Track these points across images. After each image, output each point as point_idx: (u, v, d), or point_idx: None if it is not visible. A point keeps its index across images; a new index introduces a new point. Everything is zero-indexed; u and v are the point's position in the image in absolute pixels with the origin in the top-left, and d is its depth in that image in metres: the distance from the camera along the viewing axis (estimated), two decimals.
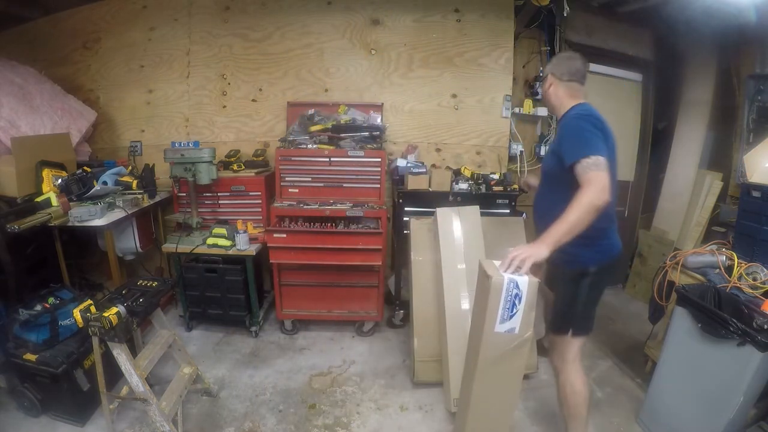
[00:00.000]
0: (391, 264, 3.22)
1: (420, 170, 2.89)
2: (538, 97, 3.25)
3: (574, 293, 1.71)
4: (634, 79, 3.59)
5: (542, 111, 3.31)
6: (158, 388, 2.18)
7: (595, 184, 1.43)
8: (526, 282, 1.46)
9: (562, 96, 1.77)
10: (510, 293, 1.46)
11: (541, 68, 3.36)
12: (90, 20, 3.34)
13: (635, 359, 2.65)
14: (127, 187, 2.87)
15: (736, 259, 2.07)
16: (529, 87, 3.38)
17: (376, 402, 2.32)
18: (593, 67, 3.41)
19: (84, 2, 3.29)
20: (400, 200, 2.84)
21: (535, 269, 1.51)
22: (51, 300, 2.20)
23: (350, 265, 2.73)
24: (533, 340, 2.40)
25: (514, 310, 1.48)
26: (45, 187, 2.55)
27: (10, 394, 2.15)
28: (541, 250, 1.44)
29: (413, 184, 2.83)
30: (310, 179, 2.90)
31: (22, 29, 3.39)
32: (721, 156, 3.23)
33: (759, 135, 2.70)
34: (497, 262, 1.53)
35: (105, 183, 2.77)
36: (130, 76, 3.39)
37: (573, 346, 1.76)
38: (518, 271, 1.46)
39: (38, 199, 2.44)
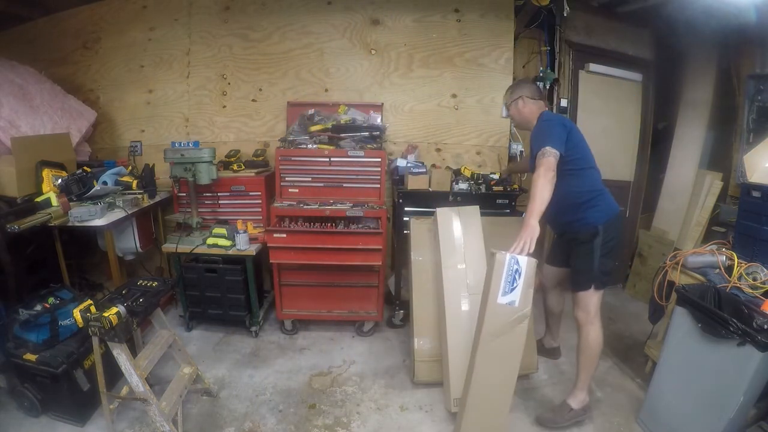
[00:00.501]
0: (391, 264, 3.22)
1: (420, 170, 2.89)
2: None
3: (590, 253, 2.03)
4: (634, 79, 3.59)
5: None
6: (158, 388, 2.18)
7: (542, 166, 1.83)
8: (525, 260, 1.70)
9: (534, 111, 2.19)
10: (511, 268, 1.68)
11: (541, 68, 3.37)
12: (90, 20, 3.34)
13: (635, 359, 2.65)
14: (127, 187, 2.87)
15: (736, 259, 2.07)
16: None
17: (376, 402, 2.32)
18: (593, 67, 3.42)
19: (84, 2, 3.29)
20: (400, 200, 2.84)
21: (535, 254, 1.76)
22: (51, 300, 2.20)
23: (350, 265, 2.72)
24: (533, 338, 2.42)
25: (515, 284, 1.69)
26: (45, 187, 2.55)
27: (10, 394, 2.15)
28: (531, 226, 1.73)
29: (413, 184, 2.82)
30: (310, 179, 2.90)
31: (22, 29, 3.40)
32: (721, 156, 3.23)
33: (759, 135, 2.71)
34: (505, 251, 1.71)
35: (105, 183, 2.77)
36: (130, 76, 3.40)
37: (595, 299, 2.04)
38: (527, 253, 1.70)
39: (38, 199, 2.44)
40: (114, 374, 1.96)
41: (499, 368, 1.82)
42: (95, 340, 1.81)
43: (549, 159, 1.85)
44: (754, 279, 1.96)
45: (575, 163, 2.02)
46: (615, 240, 2.07)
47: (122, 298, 1.88)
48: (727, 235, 2.64)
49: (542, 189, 1.79)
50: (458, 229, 2.38)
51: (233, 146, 3.33)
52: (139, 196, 2.87)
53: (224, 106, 3.41)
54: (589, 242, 2.02)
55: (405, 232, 2.71)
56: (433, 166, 3.21)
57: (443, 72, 3.31)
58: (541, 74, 3.31)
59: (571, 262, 2.18)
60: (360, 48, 3.30)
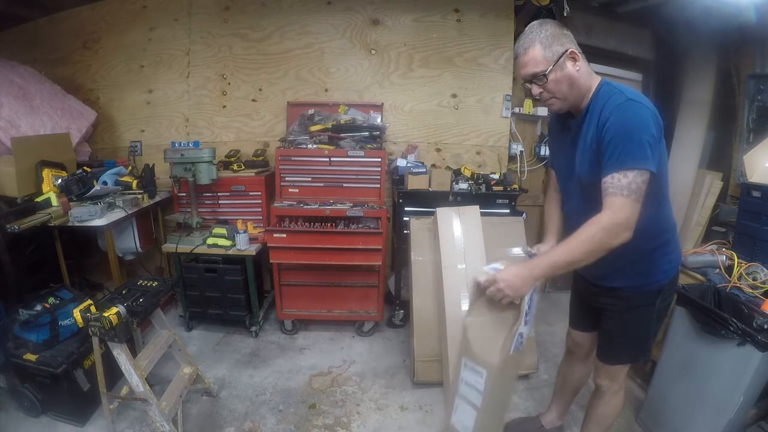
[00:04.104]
0: (391, 264, 3.22)
1: (420, 170, 2.89)
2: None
3: (649, 317, 1.45)
4: (634, 79, 3.59)
5: (542, 111, 3.31)
6: (158, 388, 2.18)
7: (614, 215, 1.11)
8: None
9: (590, 75, 1.32)
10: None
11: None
12: (90, 20, 3.34)
13: None
14: (127, 187, 2.87)
15: (736, 259, 2.07)
16: None
17: (376, 402, 2.32)
18: (593, 67, 3.39)
19: (84, 2, 3.29)
20: (400, 200, 2.84)
21: None
22: (51, 300, 2.20)
23: (350, 265, 2.72)
24: (533, 339, 2.42)
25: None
26: (45, 187, 2.55)
27: (10, 394, 2.15)
28: (527, 283, 1.23)
29: (413, 184, 2.82)
30: (310, 179, 2.90)
31: (22, 29, 3.39)
32: (721, 156, 3.23)
33: (759, 135, 2.70)
34: (482, 277, 1.34)
35: (105, 183, 2.77)
36: (130, 76, 3.39)
37: (627, 367, 1.60)
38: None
39: (38, 199, 2.44)
40: (114, 374, 1.96)
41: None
42: (95, 340, 1.81)
43: (630, 206, 1.11)
44: (754, 279, 1.96)
45: (660, 185, 1.30)
46: (673, 295, 1.52)
47: (122, 298, 1.88)
48: (727, 235, 2.63)
49: (589, 251, 1.14)
50: (458, 229, 2.38)
51: (233, 146, 3.34)
52: (139, 196, 2.87)
53: (224, 106, 3.41)
54: (651, 305, 1.42)
55: (405, 232, 2.71)
56: (433, 166, 3.21)
57: (443, 72, 3.31)
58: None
59: (605, 325, 1.55)
60: (360, 48, 3.29)
